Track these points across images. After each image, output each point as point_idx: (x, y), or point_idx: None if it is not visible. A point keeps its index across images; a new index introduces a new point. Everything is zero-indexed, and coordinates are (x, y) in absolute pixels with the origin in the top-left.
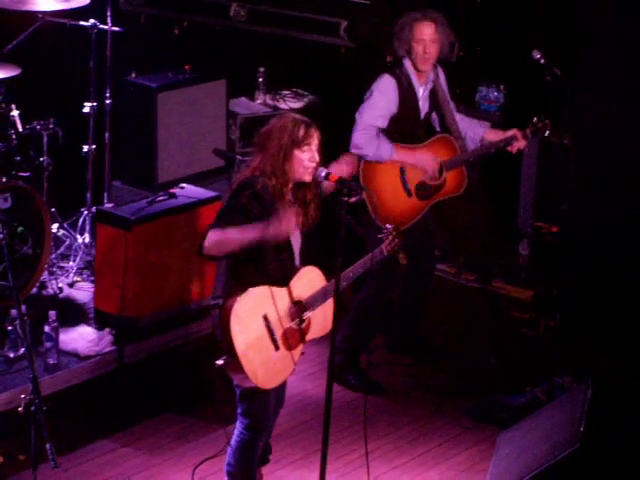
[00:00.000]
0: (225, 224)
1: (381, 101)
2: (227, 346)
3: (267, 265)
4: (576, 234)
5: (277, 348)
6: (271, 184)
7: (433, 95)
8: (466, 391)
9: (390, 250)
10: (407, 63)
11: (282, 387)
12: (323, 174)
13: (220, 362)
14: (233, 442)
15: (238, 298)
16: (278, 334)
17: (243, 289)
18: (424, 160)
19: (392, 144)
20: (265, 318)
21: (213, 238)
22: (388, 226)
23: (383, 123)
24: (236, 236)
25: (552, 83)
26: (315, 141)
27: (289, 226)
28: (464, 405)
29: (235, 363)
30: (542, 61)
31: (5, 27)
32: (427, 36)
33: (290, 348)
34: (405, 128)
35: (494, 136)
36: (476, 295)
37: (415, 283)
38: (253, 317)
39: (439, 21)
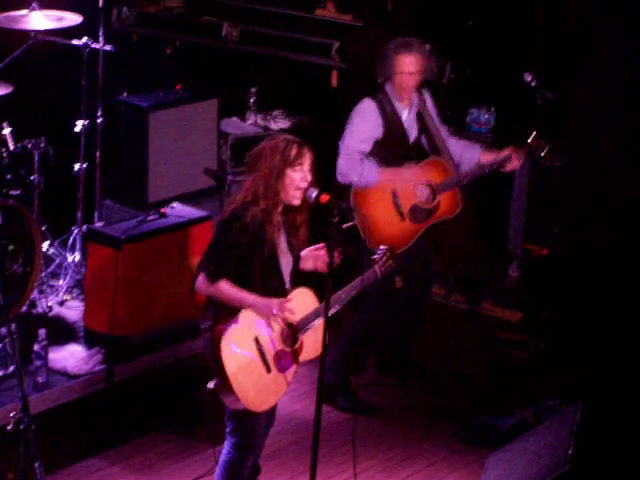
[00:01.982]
0: (217, 263)
1: (362, 125)
2: (218, 369)
3: (255, 290)
4: (567, 257)
5: (269, 370)
6: (260, 209)
7: (420, 118)
8: (455, 413)
9: (384, 271)
10: (389, 87)
11: (273, 407)
12: (314, 195)
13: (211, 385)
14: (221, 461)
15: (229, 321)
16: (270, 356)
17: (233, 313)
18: (410, 174)
19: (377, 166)
20: (256, 341)
21: (204, 287)
22: (382, 247)
23: (366, 147)
24: (225, 295)
25: (543, 106)
26: (307, 161)
27: (278, 317)
28: (453, 427)
29: (226, 386)
30: (533, 84)
31: None
32: (407, 69)
33: (282, 370)
34: (394, 152)
35: (489, 158)
36: (465, 316)
37: (410, 307)
38: (244, 340)
39: (421, 54)
